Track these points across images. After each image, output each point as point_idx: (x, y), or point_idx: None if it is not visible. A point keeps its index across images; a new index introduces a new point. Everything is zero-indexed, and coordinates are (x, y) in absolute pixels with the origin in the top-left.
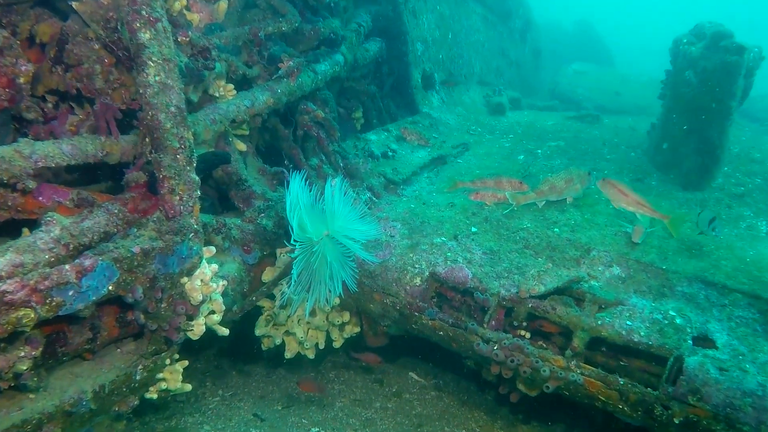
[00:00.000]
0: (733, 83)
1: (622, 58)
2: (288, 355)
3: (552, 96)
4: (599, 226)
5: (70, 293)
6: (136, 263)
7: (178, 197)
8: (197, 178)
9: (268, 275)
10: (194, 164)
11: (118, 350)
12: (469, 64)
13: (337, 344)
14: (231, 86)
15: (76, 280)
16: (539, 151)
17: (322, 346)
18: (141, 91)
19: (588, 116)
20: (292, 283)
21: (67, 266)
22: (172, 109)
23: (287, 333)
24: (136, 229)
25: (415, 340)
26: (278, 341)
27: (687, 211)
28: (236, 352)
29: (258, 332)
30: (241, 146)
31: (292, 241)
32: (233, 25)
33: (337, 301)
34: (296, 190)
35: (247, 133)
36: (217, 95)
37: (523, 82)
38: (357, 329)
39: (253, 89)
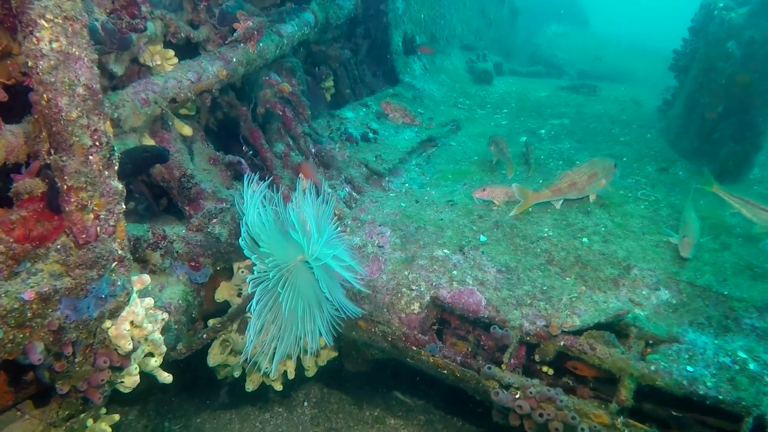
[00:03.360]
0: None
1: (595, 19)
2: (249, 387)
3: (531, 60)
4: (635, 233)
5: None
6: (30, 314)
7: (92, 215)
8: (120, 185)
9: (223, 293)
10: (116, 166)
11: (18, 414)
12: (450, 26)
13: (309, 373)
14: (171, 52)
15: None
16: (542, 131)
17: (291, 376)
18: (31, 64)
19: (584, 87)
20: (251, 333)
21: None
22: (79, 90)
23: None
24: (29, 265)
25: None
26: (237, 373)
27: None
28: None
29: (212, 362)
30: (186, 130)
31: (248, 279)
32: None
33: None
34: (253, 215)
35: (192, 113)
36: (152, 65)
37: (501, 44)
38: (334, 354)
39: (200, 57)
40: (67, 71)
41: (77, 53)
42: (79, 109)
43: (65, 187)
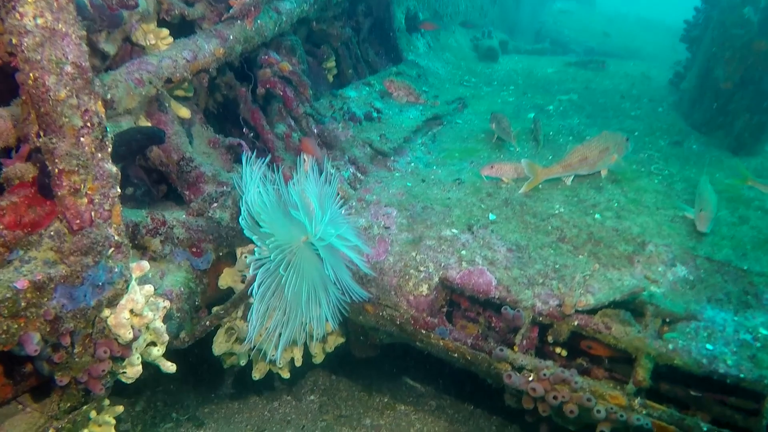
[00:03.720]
0: None
1: None
2: (256, 375)
3: (537, 37)
4: (649, 209)
5: None
6: (24, 304)
7: (85, 199)
8: (115, 168)
9: (226, 279)
10: (110, 148)
11: (20, 407)
12: (454, 3)
13: (317, 360)
14: (165, 31)
15: None
16: (550, 107)
17: (299, 363)
18: (15, 42)
19: (592, 63)
20: (254, 318)
21: None
22: (68, 68)
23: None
24: (22, 252)
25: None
26: (243, 361)
27: None
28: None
29: (217, 350)
30: (183, 112)
31: (248, 261)
32: None
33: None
34: (254, 194)
35: (190, 94)
36: (145, 44)
37: (506, 21)
38: (342, 340)
39: (195, 36)
40: (53, 48)
41: (64, 29)
42: (68, 88)
43: (56, 170)
